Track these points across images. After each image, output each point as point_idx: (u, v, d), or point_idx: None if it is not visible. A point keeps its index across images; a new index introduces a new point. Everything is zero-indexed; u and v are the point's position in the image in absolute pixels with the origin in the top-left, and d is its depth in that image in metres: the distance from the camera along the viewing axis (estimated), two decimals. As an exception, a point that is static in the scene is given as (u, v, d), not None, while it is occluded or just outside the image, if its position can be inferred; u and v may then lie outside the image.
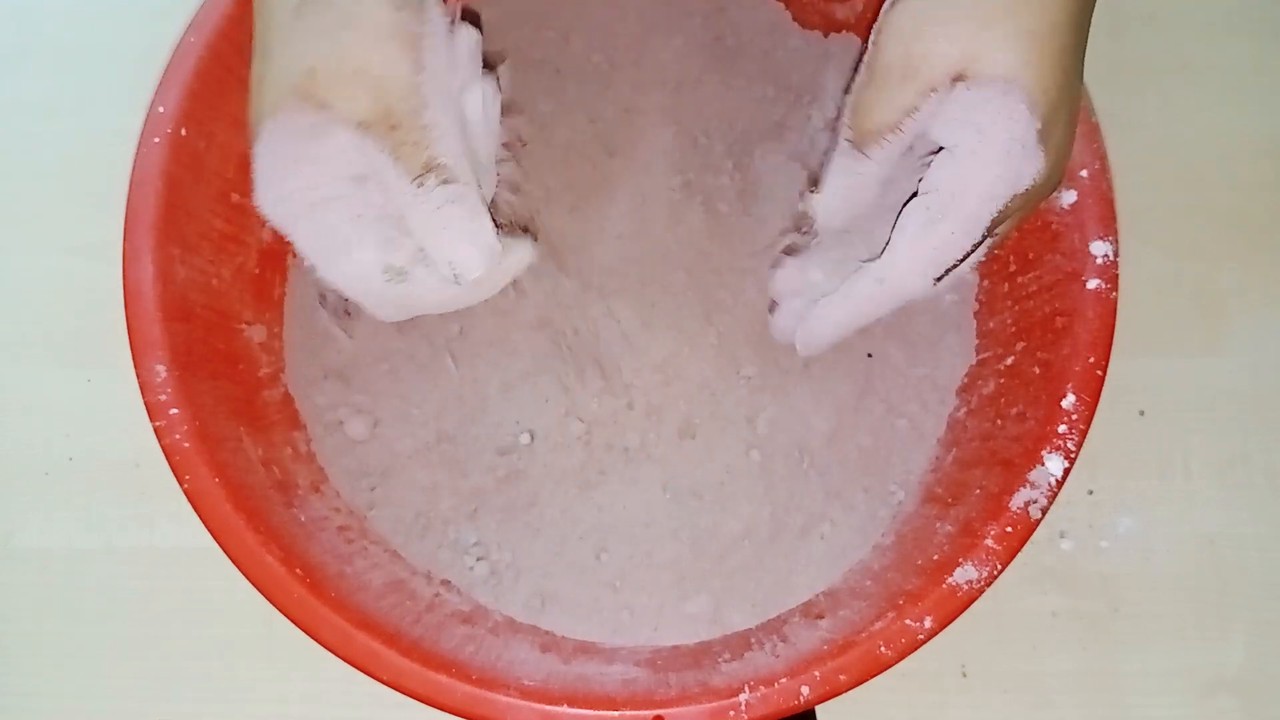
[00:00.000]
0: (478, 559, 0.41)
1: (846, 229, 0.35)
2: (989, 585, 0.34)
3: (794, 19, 0.45)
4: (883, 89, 0.31)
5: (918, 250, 0.32)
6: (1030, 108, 0.29)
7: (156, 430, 0.35)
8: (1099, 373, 0.36)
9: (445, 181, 0.31)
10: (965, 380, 0.42)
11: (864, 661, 0.33)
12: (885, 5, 0.31)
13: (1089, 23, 0.31)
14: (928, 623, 0.33)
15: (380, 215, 0.32)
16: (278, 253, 0.42)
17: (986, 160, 0.30)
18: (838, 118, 0.35)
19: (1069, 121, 0.31)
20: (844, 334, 0.35)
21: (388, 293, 0.33)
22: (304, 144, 0.31)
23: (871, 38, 0.31)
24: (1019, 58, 0.29)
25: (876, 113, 0.31)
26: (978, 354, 0.42)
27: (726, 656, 0.37)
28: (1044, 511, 0.35)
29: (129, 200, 0.37)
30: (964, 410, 0.41)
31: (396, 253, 0.32)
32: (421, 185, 0.31)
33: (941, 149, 0.31)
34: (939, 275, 0.32)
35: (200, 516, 0.35)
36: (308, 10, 0.30)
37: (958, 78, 0.30)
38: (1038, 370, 0.37)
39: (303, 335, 0.42)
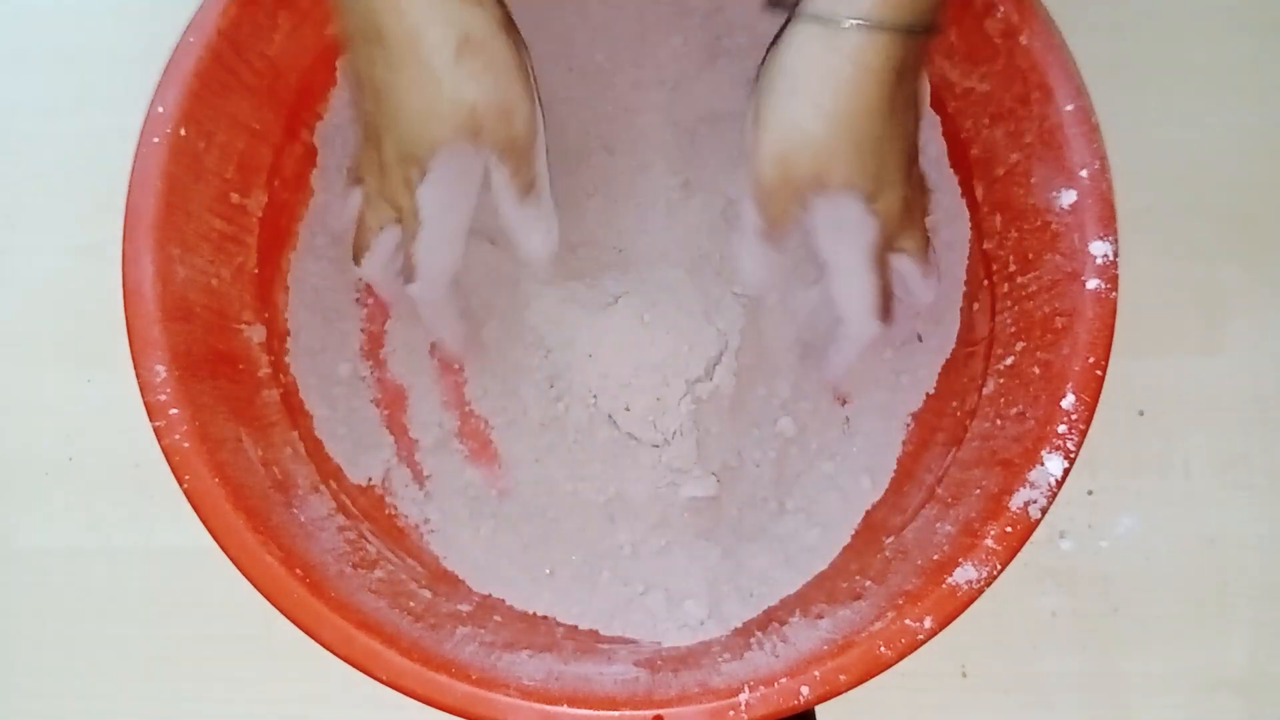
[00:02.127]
0: (477, 553, 0.41)
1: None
2: (989, 585, 0.34)
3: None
4: (772, 195, 0.36)
5: (844, 301, 0.39)
6: (857, 194, 0.36)
7: (156, 430, 0.35)
8: (1099, 373, 0.36)
9: (537, 199, 0.38)
10: (954, 376, 0.42)
11: (864, 661, 0.33)
12: (750, 130, 0.36)
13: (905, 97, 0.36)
14: (927, 623, 0.33)
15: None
16: (277, 253, 0.42)
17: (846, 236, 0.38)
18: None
19: (898, 180, 0.37)
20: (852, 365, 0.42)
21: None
22: (459, 164, 0.37)
23: (752, 158, 0.36)
24: (862, 169, 0.36)
25: (775, 209, 0.37)
26: (979, 353, 0.42)
27: (726, 657, 0.37)
28: (1044, 511, 0.35)
29: (129, 200, 0.37)
30: (961, 409, 0.41)
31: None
32: (524, 200, 0.38)
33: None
34: (879, 311, 0.39)
35: (200, 516, 0.35)
36: (465, 57, 0.35)
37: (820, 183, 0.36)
38: (1038, 370, 0.37)
39: (310, 338, 0.42)
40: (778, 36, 0.36)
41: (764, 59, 0.37)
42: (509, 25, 0.36)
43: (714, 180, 0.44)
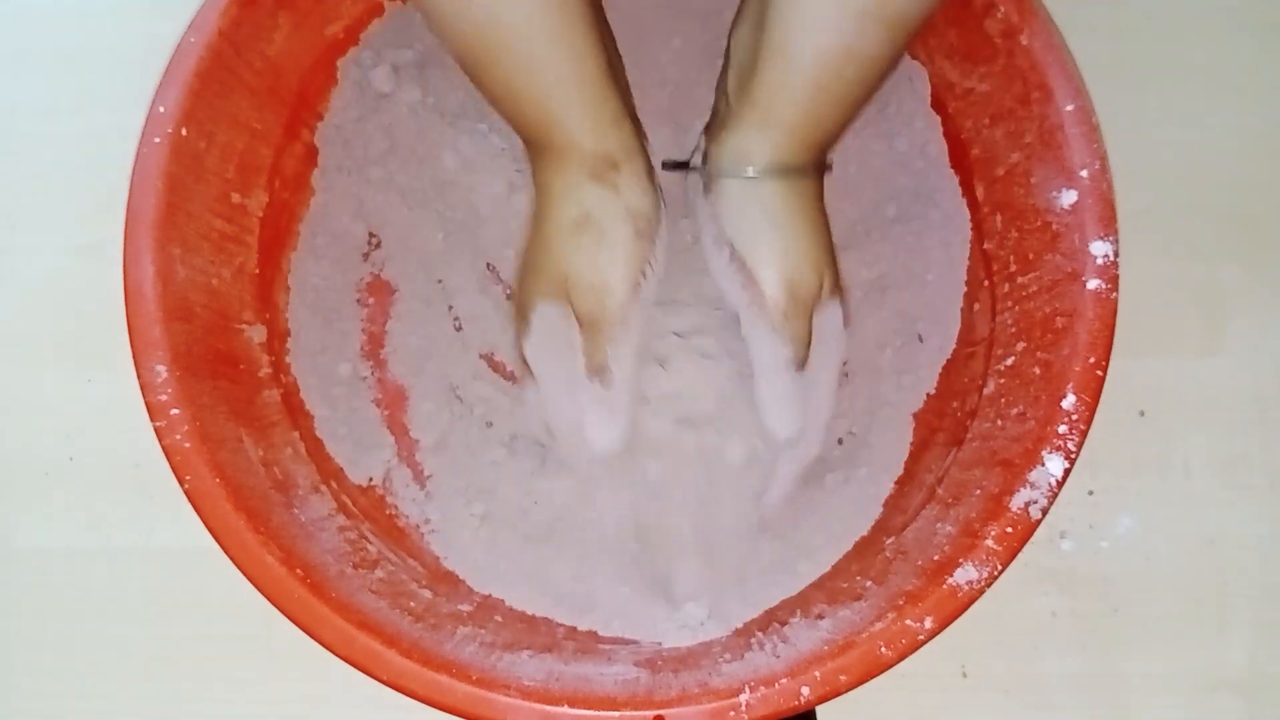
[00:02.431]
0: (477, 553, 0.41)
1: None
2: (989, 586, 0.34)
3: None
4: (794, 318, 0.39)
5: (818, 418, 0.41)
6: (839, 297, 0.41)
7: (157, 430, 0.35)
8: (1099, 373, 0.36)
9: (605, 384, 0.40)
10: (954, 376, 0.42)
11: (864, 662, 0.33)
12: (739, 273, 0.39)
13: None
14: (928, 623, 0.33)
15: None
16: (278, 253, 0.42)
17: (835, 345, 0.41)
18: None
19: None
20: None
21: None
22: (551, 322, 0.40)
23: (756, 300, 0.39)
24: (835, 278, 0.41)
25: (802, 336, 0.39)
26: (979, 354, 0.42)
27: (727, 657, 0.37)
28: (1044, 512, 0.35)
29: (129, 200, 0.37)
30: (962, 410, 0.41)
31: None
32: (590, 379, 0.40)
33: None
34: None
35: (200, 516, 0.35)
36: (582, 229, 0.38)
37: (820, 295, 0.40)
38: (1038, 370, 0.37)
39: (310, 338, 0.42)
40: (706, 190, 0.40)
41: (702, 222, 0.41)
42: (645, 223, 0.39)
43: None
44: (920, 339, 0.43)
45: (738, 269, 0.39)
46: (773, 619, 0.39)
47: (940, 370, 0.43)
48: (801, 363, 0.40)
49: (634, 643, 0.40)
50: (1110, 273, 0.36)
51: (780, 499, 0.42)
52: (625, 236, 0.38)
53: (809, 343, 0.40)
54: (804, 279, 0.39)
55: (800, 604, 0.40)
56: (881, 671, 0.33)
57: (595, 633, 0.40)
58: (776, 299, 0.39)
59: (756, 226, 0.39)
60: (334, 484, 0.41)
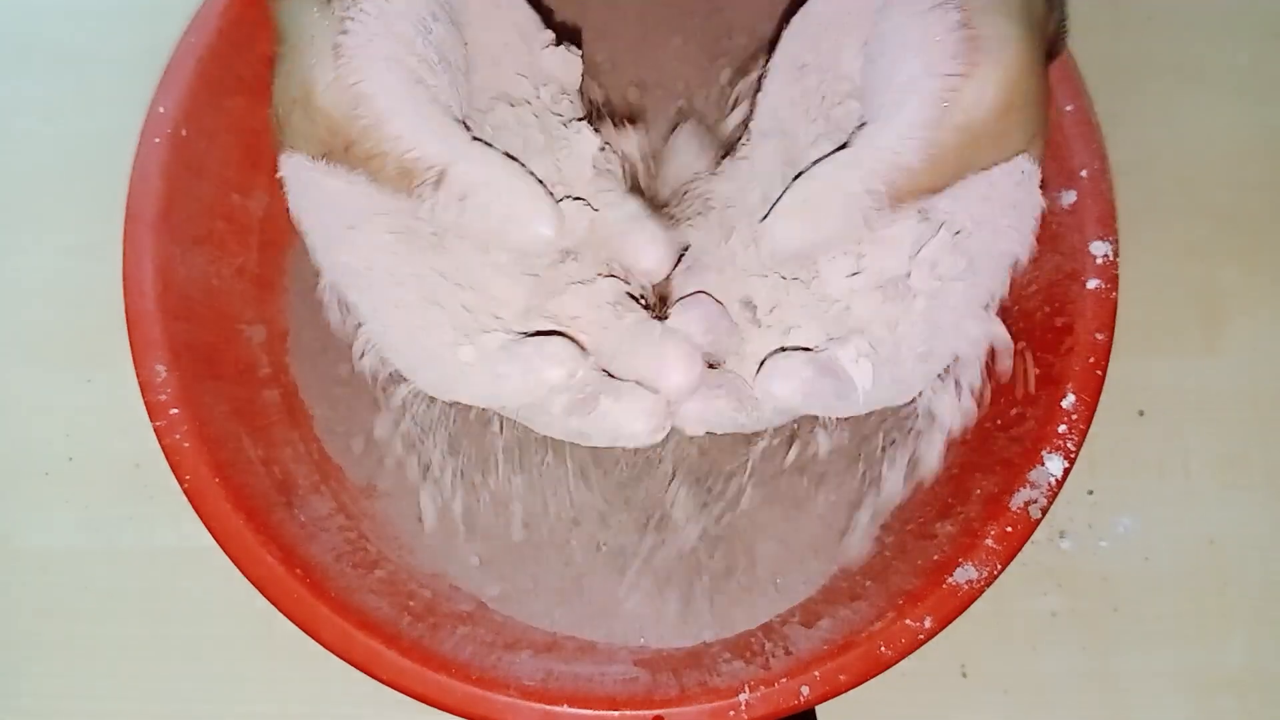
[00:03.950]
0: (478, 553, 0.41)
1: (788, 269, 0.32)
2: (989, 585, 0.34)
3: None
4: (969, 145, 0.29)
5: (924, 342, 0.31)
6: None
7: (156, 430, 0.35)
8: (1099, 373, 0.36)
9: (436, 182, 0.28)
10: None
11: (864, 661, 0.33)
12: (957, 45, 0.29)
13: None
14: (928, 623, 0.33)
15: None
16: (278, 253, 0.42)
17: (1024, 230, 0.32)
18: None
19: None
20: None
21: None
22: (312, 187, 0.30)
23: (961, 75, 0.28)
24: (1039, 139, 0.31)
25: (950, 171, 0.29)
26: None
27: (726, 656, 0.37)
28: (1044, 511, 0.35)
29: (129, 200, 0.37)
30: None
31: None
32: (421, 198, 0.28)
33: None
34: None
35: (200, 516, 0.35)
36: (279, 52, 0.29)
37: (1023, 155, 0.30)
38: (1038, 370, 0.37)
39: (310, 338, 0.42)
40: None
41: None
42: None
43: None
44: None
45: (957, 42, 0.28)
46: (772, 619, 0.39)
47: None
48: (907, 195, 0.28)
49: (634, 643, 0.40)
50: (1110, 272, 0.36)
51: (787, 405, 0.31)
52: (305, 20, 0.28)
53: (942, 184, 0.29)
54: (1018, 115, 0.28)
55: (800, 603, 0.40)
56: (881, 671, 0.33)
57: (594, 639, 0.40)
58: (975, 107, 0.27)
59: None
60: (334, 484, 0.41)
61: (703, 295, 0.32)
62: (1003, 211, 0.31)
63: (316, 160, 0.30)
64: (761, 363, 0.31)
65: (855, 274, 0.30)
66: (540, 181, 0.29)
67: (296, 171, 0.31)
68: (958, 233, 0.30)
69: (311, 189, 0.30)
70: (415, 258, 0.30)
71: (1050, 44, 0.32)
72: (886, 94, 0.29)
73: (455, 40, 0.31)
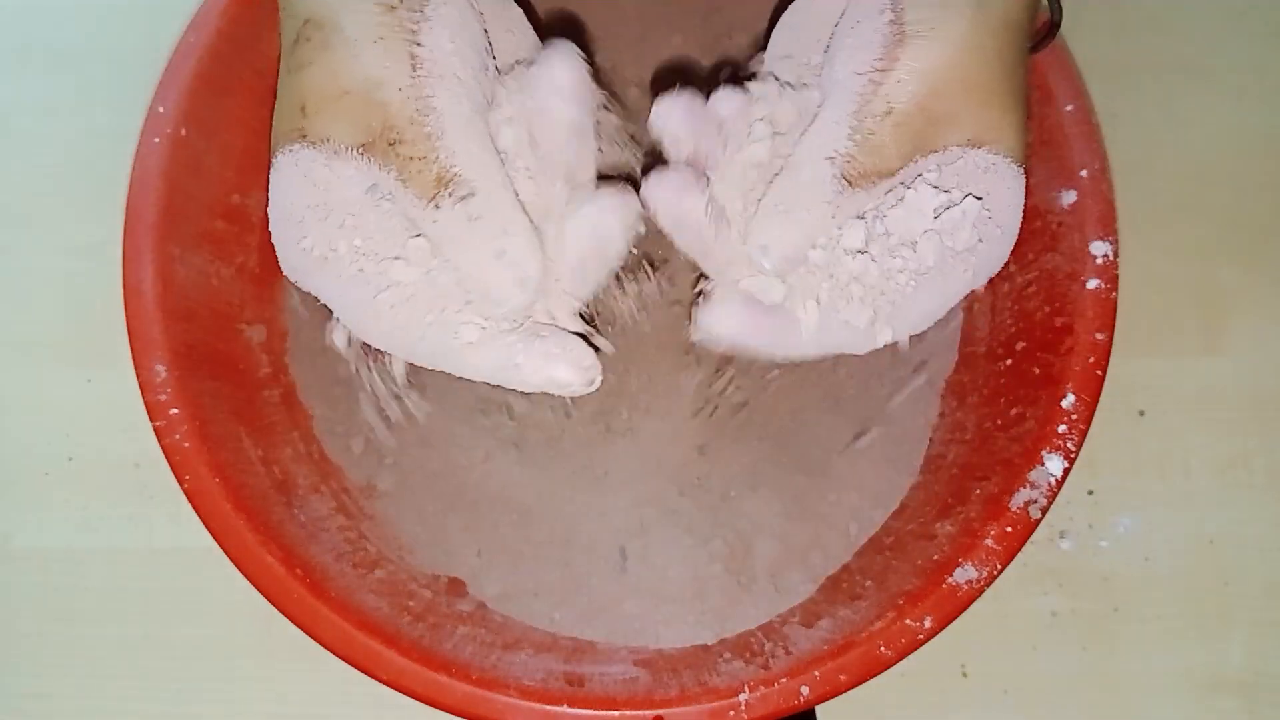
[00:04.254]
0: (478, 554, 0.41)
1: (778, 268, 0.32)
2: (989, 585, 0.34)
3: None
4: (903, 131, 0.30)
5: (906, 309, 0.32)
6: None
7: (156, 430, 0.35)
8: (1099, 373, 0.36)
9: (463, 197, 0.29)
10: (954, 375, 0.42)
11: (864, 661, 0.33)
12: (882, 39, 0.31)
13: None
14: (928, 623, 0.33)
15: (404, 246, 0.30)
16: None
17: (1004, 227, 0.32)
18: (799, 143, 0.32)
19: None
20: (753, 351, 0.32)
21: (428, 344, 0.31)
22: (314, 188, 0.30)
23: (880, 69, 0.31)
24: (1024, 149, 0.32)
25: (890, 153, 0.30)
26: (979, 354, 0.42)
27: (726, 656, 0.37)
28: (1044, 511, 0.35)
29: (129, 200, 0.37)
30: (961, 409, 0.41)
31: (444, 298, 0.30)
32: (438, 206, 0.29)
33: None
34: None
35: (200, 516, 0.35)
36: (302, 38, 0.29)
37: (974, 144, 0.31)
38: (1038, 370, 0.37)
39: (310, 338, 0.42)
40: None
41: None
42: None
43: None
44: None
45: (881, 38, 0.30)
46: (772, 619, 0.39)
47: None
48: (858, 179, 0.30)
49: (634, 643, 0.40)
50: (1110, 272, 0.36)
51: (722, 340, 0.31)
52: (365, 18, 0.28)
53: (885, 168, 0.30)
54: (959, 102, 0.29)
55: (800, 604, 0.40)
56: (881, 671, 0.33)
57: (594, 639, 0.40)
58: (896, 95, 0.29)
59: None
60: (333, 484, 0.41)
61: (685, 92, 0.33)
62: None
63: (345, 149, 0.30)
64: (698, 294, 0.33)
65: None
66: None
67: (299, 162, 0.31)
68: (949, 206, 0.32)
69: (307, 179, 0.31)
70: (395, 241, 0.31)
71: (1042, 29, 0.34)
72: (830, 88, 0.32)
73: (491, 85, 0.32)
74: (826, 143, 0.31)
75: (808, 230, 0.31)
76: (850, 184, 0.30)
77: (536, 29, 0.36)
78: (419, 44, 0.29)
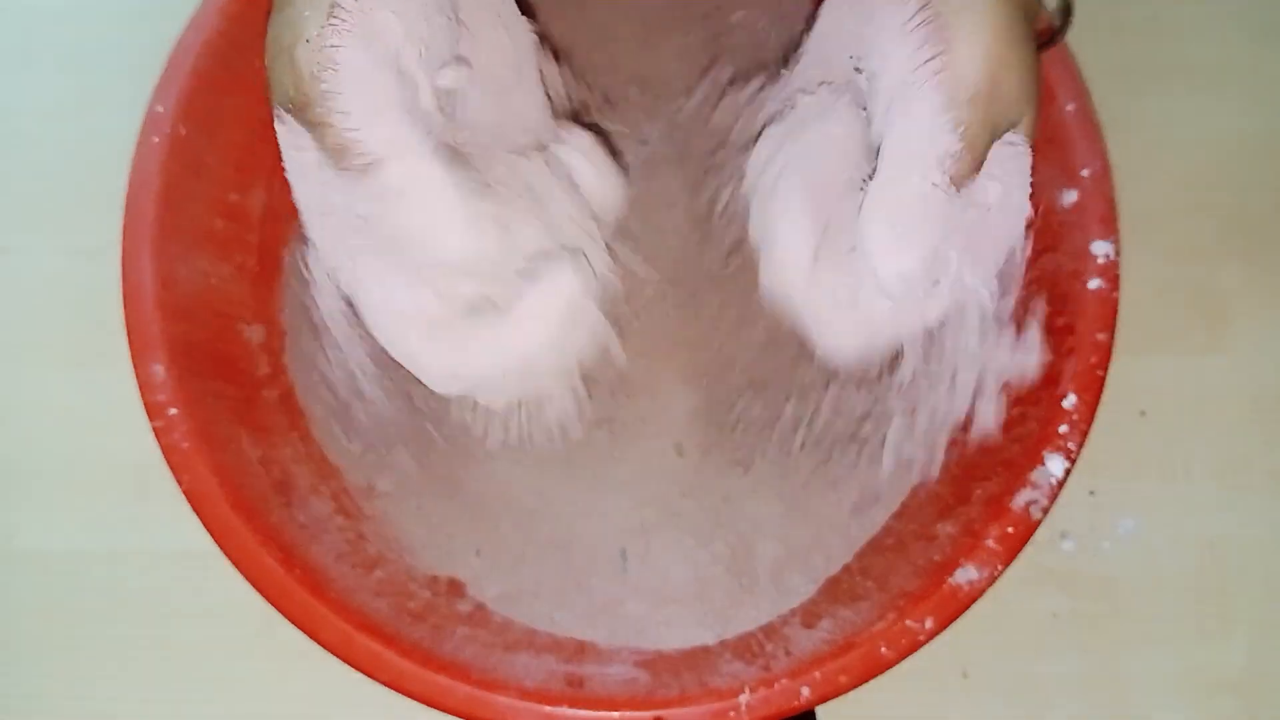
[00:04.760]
0: (478, 554, 0.41)
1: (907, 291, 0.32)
2: (990, 586, 0.34)
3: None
4: (986, 113, 0.29)
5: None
6: None
7: (155, 431, 0.35)
8: (1100, 373, 0.35)
9: (369, 164, 0.27)
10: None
11: (864, 662, 0.33)
12: (925, 31, 0.30)
13: None
14: (928, 623, 0.33)
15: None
16: (277, 252, 0.42)
17: (1017, 213, 0.32)
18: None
19: None
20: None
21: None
22: (292, 154, 0.30)
23: (934, 66, 0.30)
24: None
25: (982, 141, 0.30)
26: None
27: (727, 657, 0.37)
28: (1045, 512, 0.34)
29: (128, 200, 0.37)
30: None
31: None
32: (346, 171, 0.28)
33: None
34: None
35: (199, 517, 0.35)
36: (275, 6, 0.28)
37: (1016, 127, 0.31)
38: (1039, 370, 0.37)
39: (310, 338, 0.42)
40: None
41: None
42: None
43: (716, 180, 0.44)
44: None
45: (925, 28, 0.29)
46: (772, 619, 0.39)
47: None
48: (963, 179, 0.30)
49: (634, 643, 0.40)
50: (1112, 272, 0.36)
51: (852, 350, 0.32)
52: None
53: (980, 159, 0.30)
54: (1010, 77, 0.29)
55: (800, 604, 0.39)
56: (881, 671, 0.33)
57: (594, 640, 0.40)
58: (970, 75, 0.28)
59: None
60: (333, 484, 0.41)
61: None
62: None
63: (282, 112, 0.29)
64: None
65: None
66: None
67: (280, 123, 0.30)
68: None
69: (286, 143, 0.30)
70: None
71: (1055, 22, 0.33)
72: (887, 98, 0.31)
73: (450, 39, 0.31)
74: (929, 146, 0.29)
75: (930, 246, 0.30)
76: (958, 186, 0.30)
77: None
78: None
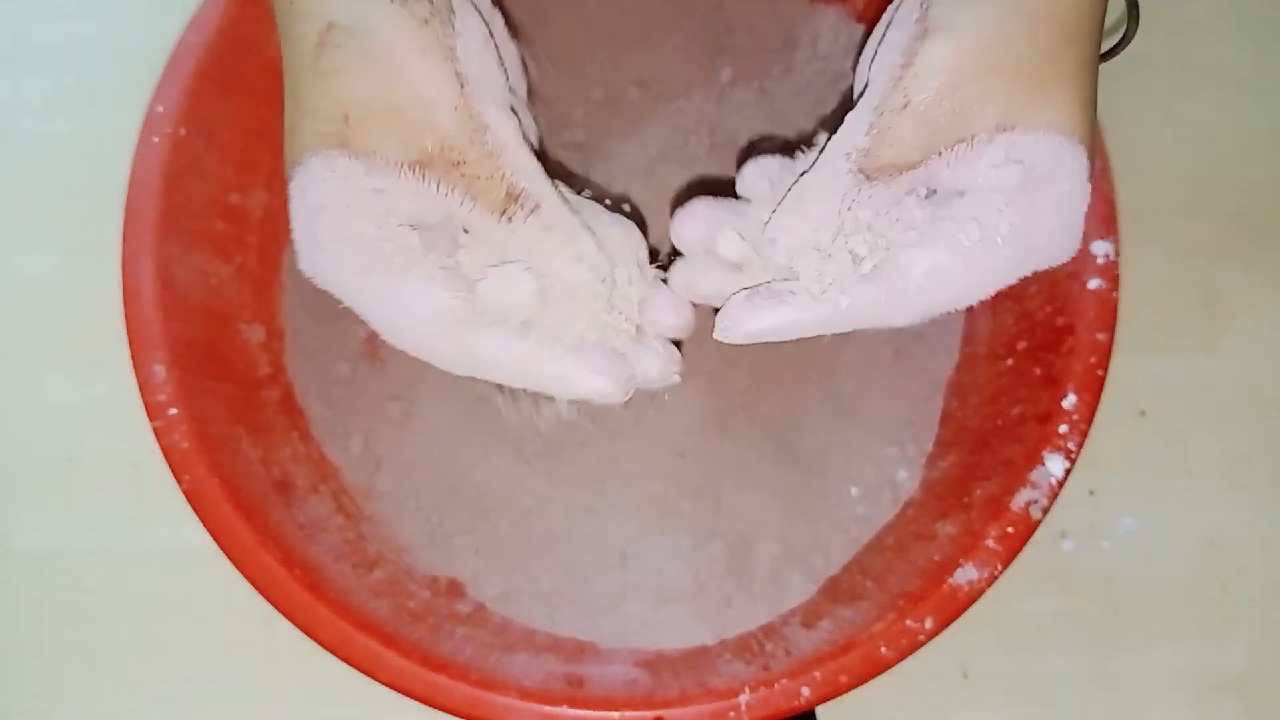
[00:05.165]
0: (477, 553, 0.41)
1: (786, 258, 0.32)
2: (990, 585, 0.34)
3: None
4: (922, 123, 0.30)
5: (942, 287, 0.30)
6: (1088, 161, 0.30)
7: (156, 430, 0.35)
8: (1100, 373, 0.35)
9: (533, 209, 0.31)
10: (955, 375, 0.42)
11: (864, 662, 0.33)
12: (908, 39, 0.31)
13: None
14: (928, 623, 0.33)
15: (446, 258, 0.31)
16: (277, 252, 0.42)
17: (1050, 204, 0.30)
18: (825, 138, 0.33)
19: None
20: (782, 336, 0.32)
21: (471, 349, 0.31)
22: (354, 196, 0.29)
23: (902, 65, 0.31)
24: (1075, 117, 0.30)
25: (908, 146, 0.30)
26: (980, 354, 0.41)
27: (726, 657, 0.37)
28: (1045, 512, 0.34)
29: (129, 200, 0.37)
30: (962, 410, 0.41)
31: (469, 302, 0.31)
32: (511, 220, 0.30)
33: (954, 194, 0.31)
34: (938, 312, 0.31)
35: (199, 517, 0.35)
36: (328, 44, 0.29)
37: (1003, 128, 0.30)
38: (1038, 370, 0.37)
39: (309, 338, 0.42)
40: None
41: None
42: (424, 6, 0.29)
43: (717, 179, 0.44)
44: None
45: (911, 36, 0.30)
46: (772, 619, 0.39)
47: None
48: (876, 173, 0.30)
49: (634, 643, 0.40)
50: (1111, 272, 0.36)
51: (745, 333, 0.31)
52: (402, 33, 0.29)
53: (905, 161, 0.30)
54: (977, 89, 0.29)
55: (800, 604, 0.39)
56: (881, 671, 0.33)
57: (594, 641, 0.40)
58: (915, 83, 0.29)
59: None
60: (333, 484, 0.41)
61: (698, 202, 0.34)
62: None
63: (396, 166, 0.30)
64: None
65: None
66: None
67: (338, 169, 0.30)
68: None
69: (347, 186, 0.30)
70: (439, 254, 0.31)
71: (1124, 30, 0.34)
72: (865, 87, 0.32)
73: (512, 66, 0.34)
74: (845, 139, 0.31)
75: (815, 221, 0.31)
76: (867, 177, 0.31)
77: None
78: (458, 59, 0.30)
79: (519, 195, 0.31)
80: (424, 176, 0.30)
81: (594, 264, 0.32)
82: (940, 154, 0.30)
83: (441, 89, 0.29)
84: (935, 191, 0.31)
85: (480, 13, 0.32)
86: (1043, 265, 0.31)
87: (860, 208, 0.31)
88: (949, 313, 0.32)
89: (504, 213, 0.31)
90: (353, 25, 0.29)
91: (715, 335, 0.32)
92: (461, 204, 0.30)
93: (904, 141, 0.30)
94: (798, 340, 0.32)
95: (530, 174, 0.31)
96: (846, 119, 0.32)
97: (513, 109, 0.32)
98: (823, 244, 0.31)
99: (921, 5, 0.31)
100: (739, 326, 0.31)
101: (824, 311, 0.31)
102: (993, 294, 0.31)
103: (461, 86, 0.30)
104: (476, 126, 0.30)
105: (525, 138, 0.32)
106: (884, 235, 0.31)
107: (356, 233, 0.30)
